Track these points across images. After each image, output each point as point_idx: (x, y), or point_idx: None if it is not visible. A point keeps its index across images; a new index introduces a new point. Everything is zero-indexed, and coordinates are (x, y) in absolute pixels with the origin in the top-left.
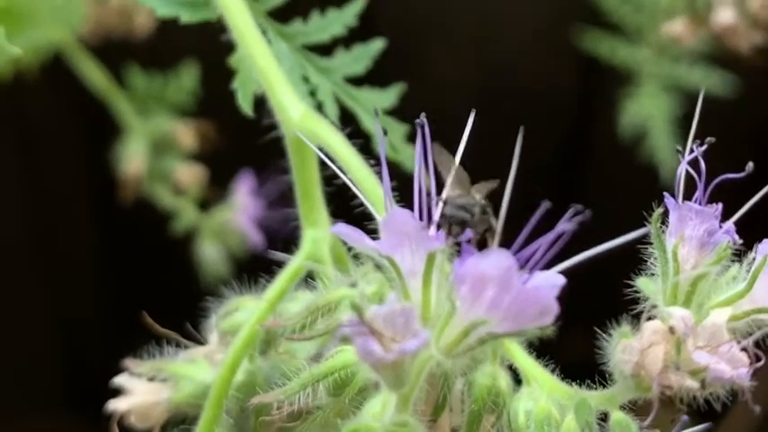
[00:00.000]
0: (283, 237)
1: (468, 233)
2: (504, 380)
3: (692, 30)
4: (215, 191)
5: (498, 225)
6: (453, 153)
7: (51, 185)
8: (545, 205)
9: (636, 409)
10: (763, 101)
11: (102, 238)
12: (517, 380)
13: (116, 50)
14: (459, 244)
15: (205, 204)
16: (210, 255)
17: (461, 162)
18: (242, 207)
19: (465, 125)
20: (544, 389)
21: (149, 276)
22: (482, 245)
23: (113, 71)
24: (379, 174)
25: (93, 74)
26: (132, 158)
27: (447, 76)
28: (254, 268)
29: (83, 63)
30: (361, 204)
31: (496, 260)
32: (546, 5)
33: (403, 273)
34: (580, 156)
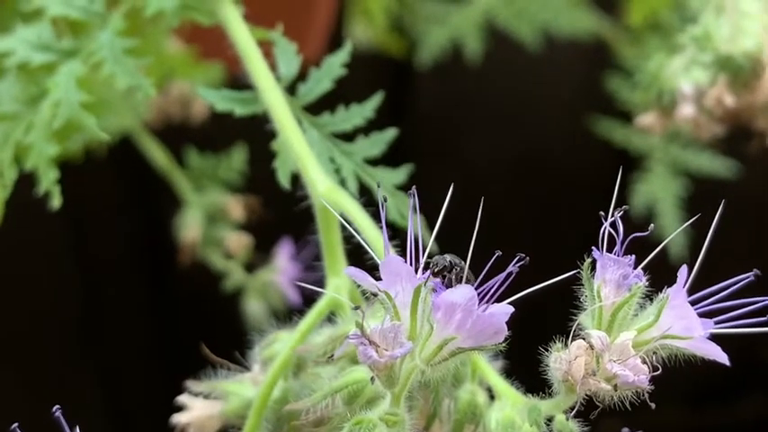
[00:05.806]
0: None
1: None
2: (481, 396)
3: (660, 122)
4: (259, 255)
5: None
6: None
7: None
8: (497, 254)
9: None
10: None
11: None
12: (492, 396)
13: (175, 134)
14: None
15: (251, 267)
16: (255, 309)
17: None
18: (282, 269)
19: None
20: (510, 401)
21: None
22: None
23: (173, 152)
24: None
25: (157, 154)
26: (190, 227)
27: (481, 152)
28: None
29: (147, 145)
30: (372, 258)
31: (462, 293)
32: (574, 93)
33: (396, 303)
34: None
